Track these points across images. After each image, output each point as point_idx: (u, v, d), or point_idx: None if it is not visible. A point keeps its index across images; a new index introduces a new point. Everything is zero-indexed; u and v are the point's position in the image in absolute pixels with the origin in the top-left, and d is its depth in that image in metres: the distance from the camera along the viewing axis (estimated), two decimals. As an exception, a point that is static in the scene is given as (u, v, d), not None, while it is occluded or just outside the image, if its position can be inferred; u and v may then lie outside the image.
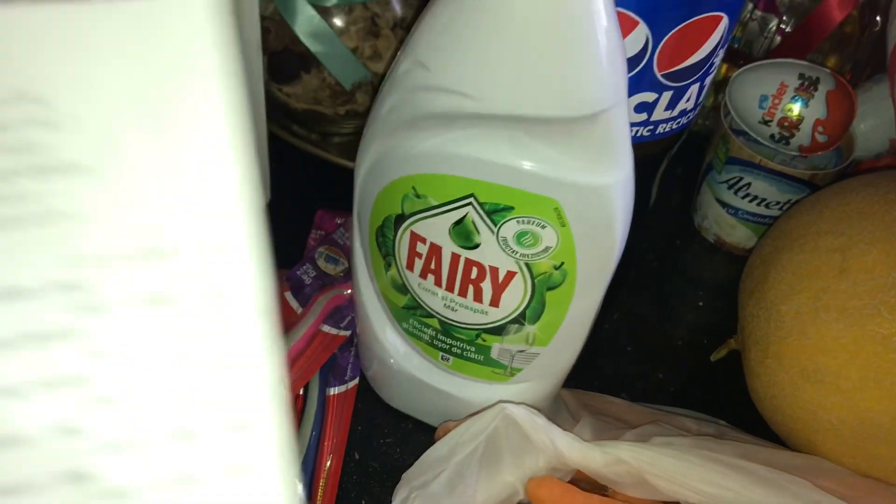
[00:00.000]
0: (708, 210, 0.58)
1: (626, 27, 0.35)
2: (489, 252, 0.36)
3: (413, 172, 0.35)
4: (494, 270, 0.36)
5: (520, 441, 0.39)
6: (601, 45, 0.30)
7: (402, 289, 0.40)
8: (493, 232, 0.35)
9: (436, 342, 0.42)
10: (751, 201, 0.54)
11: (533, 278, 0.36)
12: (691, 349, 0.53)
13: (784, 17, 0.57)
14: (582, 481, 0.40)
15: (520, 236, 0.35)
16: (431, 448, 0.40)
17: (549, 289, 0.37)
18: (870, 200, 0.42)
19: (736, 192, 0.55)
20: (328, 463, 0.44)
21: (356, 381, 0.48)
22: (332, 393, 0.47)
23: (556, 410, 0.46)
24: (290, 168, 0.58)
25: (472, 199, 0.34)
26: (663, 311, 0.56)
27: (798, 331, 0.41)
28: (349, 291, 0.49)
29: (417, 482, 0.39)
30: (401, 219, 0.37)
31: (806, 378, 0.40)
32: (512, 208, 0.34)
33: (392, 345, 0.44)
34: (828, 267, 0.41)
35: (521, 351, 0.41)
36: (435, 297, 0.39)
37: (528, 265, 0.36)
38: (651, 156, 0.44)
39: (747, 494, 0.37)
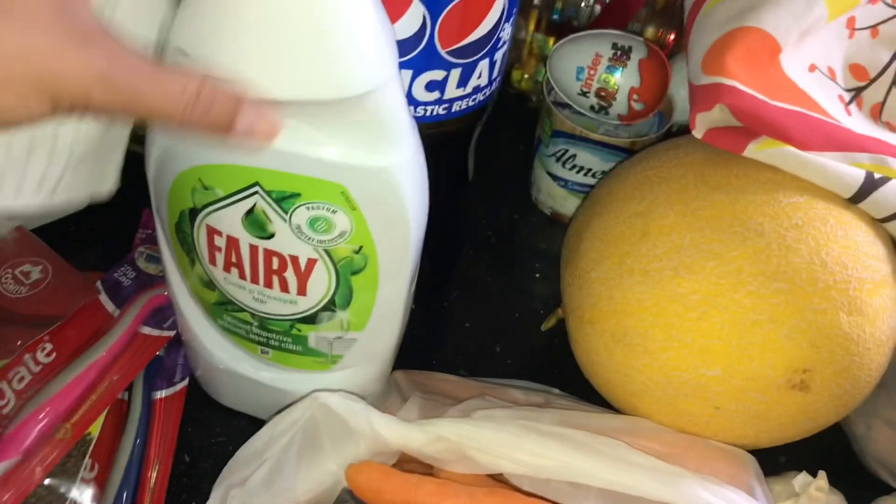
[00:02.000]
0: (541, 183, 0.59)
1: (401, 6, 0.35)
2: (286, 241, 0.35)
3: (198, 163, 0.34)
4: (295, 259, 0.36)
5: (339, 428, 0.39)
6: (360, 25, 0.29)
7: (210, 285, 0.39)
8: (284, 220, 0.34)
9: (252, 336, 0.41)
10: (577, 172, 0.55)
11: (335, 264, 0.36)
12: (528, 321, 0.54)
13: (600, -12, 0.58)
14: (409, 463, 0.40)
15: (312, 223, 0.34)
16: (245, 444, 0.40)
17: (354, 273, 0.37)
18: (668, 164, 0.43)
19: (563, 164, 0.55)
20: (153, 473, 0.43)
21: (185, 382, 0.47)
22: (158, 397, 0.45)
23: (386, 393, 0.46)
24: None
25: (257, 188, 0.34)
26: (502, 285, 0.57)
27: (606, 296, 0.41)
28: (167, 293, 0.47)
29: (235, 479, 0.39)
30: (194, 213, 0.36)
31: (616, 341, 0.41)
32: (299, 195, 0.33)
33: (211, 342, 0.43)
34: (631, 232, 0.41)
35: (339, 338, 0.40)
36: (243, 291, 0.38)
37: (327, 251, 0.36)
38: (454, 133, 0.44)
39: (564, 459, 0.38)
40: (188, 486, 0.44)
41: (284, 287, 0.37)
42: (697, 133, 0.41)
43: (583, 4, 0.59)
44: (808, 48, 0.44)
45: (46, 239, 0.49)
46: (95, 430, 0.43)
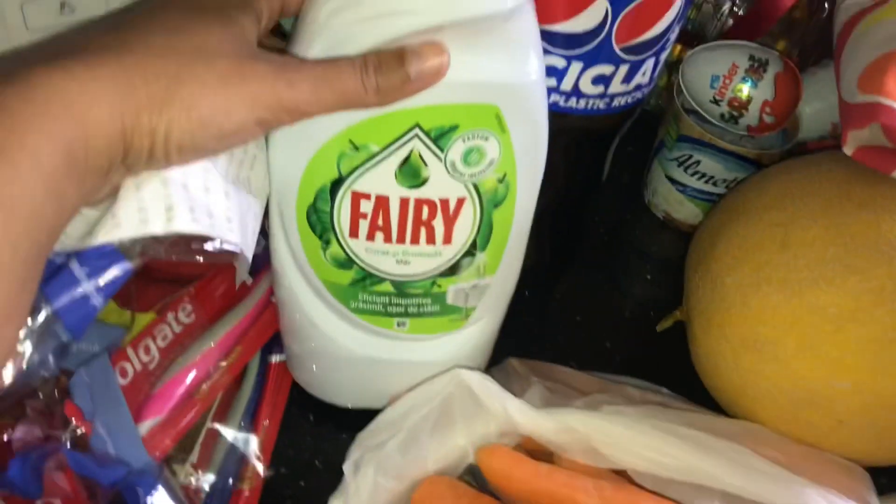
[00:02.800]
0: (658, 186, 0.59)
1: (586, 0, 0.36)
2: (438, 183, 0.36)
3: (346, 125, 0.34)
4: (445, 203, 0.37)
5: (473, 406, 0.40)
6: None
7: (347, 263, 0.40)
8: (440, 159, 0.35)
9: (390, 309, 0.42)
10: (699, 179, 0.56)
11: (481, 199, 0.37)
12: (638, 320, 0.55)
13: (737, 1, 0.59)
14: (527, 447, 0.41)
15: (466, 155, 0.35)
16: (385, 411, 0.41)
17: (496, 206, 0.37)
18: (812, 178, 0.44)
19: (685, 170, 0.56)
20: (265, 422, 0.45)
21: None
22: (274, 360, 0.47)
23: (505, 379, 0.47)
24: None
25: (416, 131, 0.34)
26: (612, 284, 0.58)
27: (740, 302, 0.42)
28: None
29: (371, 443, 0.40)
30: (338, 183, 0.36)
31: (746, 347, 0.42)
32: (457, 126, 0.34)
33: (339, 332, 0.44)
34: (770, 241, 0.42)
35: (475, 286, 0.41)
36: (386, 257, 0.39)
37: (475, 186, 0.36)
38: (605, 130, 0.45)
39: (690, 461, 0.38)
40: (312, 447, 0.46)
41: (431, 239, 0.38)
42: (848, 150, 0.41)
43: (715, 16, 0.60)
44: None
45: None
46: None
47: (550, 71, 0.40)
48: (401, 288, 0.41)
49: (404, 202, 0.36)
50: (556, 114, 0.41)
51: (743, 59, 0.53)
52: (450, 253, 0.39)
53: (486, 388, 0.39)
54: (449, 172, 0.35)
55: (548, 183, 0.47)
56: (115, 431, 0.36)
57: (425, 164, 0.35)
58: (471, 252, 0.39)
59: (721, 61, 0.53)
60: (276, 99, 0.30)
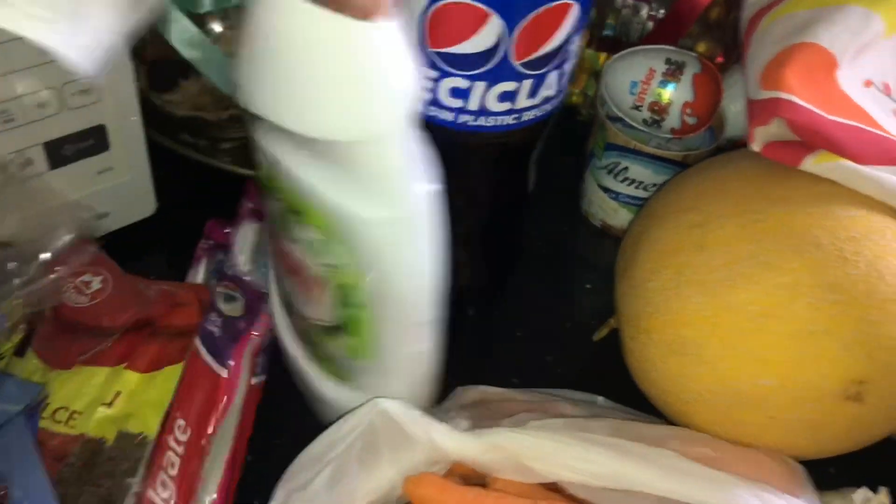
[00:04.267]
0: (592, 196, 0.60)
1: (478, 20, 0.37)
2: (300, 252, 0.36)
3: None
4: (307, 269, 0.37)
5: (397, 435, 0.39)
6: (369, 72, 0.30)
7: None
8: (297, 231, 0.35)
9: (294, 319, 0.43)
10: (629, 185, 0.56)
11: (338, 289, 0.37)
12: (579, 331, 0.55)
13: (653, 4, 0.59)
14: (459, 471, 0.41)
15: (313, 244, 0.35)
16: (306, 448, 0.41)
17: (353, 306, 0.37)
18: (727, 177, 0.44)
19: (615, 177, 0.56)
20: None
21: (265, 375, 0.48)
22: (253, 382, 0.46)
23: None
24: (180, 178, 0.58)
25: (281, 195, 0.35)
26: (552, 296, 0.57)
27: (663, 306, 0.42)
28: (256, 333, 0.47)
29: (296, 483, 0.40)
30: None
31: (672, 351, 0.42)
32: (303, 214, 0.34)
33: (276, 310, 0.45)
34: (688, 242, 0.42)
35: (349, 360, 0.41)
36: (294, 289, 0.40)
37: (329, 273, 0.36)
38: (521, 144, 0.45)
39: (618, 468, 0.38)
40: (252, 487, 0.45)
41: (307, 293, 0.38)
42: (755, 146, 0.42)
43: (635, 21, 0.60)
44: (864, 64, 0.45)
45: (108, 248, 0.51)
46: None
47: (455, 92, 0.40)
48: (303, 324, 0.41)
49: (288, 249, 0.37)
50: (468, 133, 0.42)
51: (659, 63, 0.53)
52: (322, 315, 0.39)
53: (408, 415, 0.39)
54: (306, 248, 0.36)
55: (472, 202, 0.47)
56: (32, 494, 0.36)
57: (291, 227, 0.36)
58: (338, 329, 0.39)
59: (638, 67, 0.54)
60: None
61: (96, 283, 0.47)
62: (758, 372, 0.40)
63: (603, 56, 0.62)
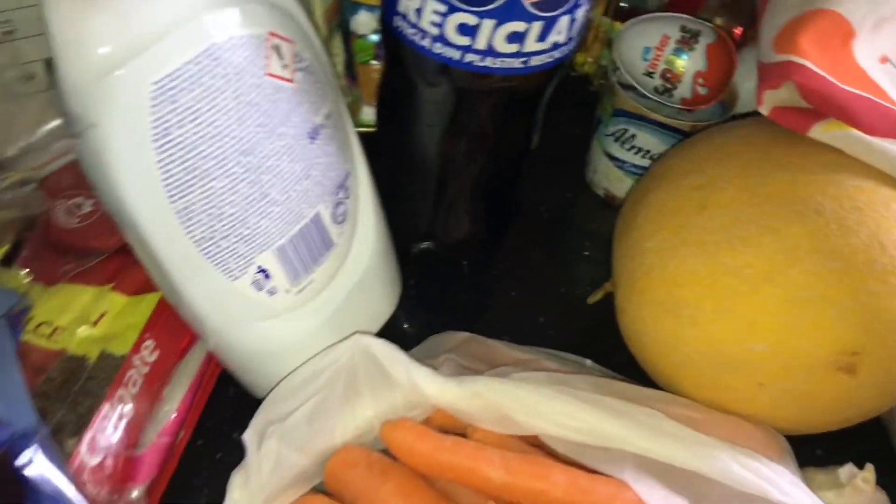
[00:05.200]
0: (598, 164, 0.59)
1: (490, -46, 0.36)
2: None
3: None
4: None
5: (379, 375, 0.39)
6: None
7: None
8: None
9: None
10: (636, 153, 0.55)
11: None
12: (573, 296, 0.54)
13: (673, -25, 0.58)
14: (439, 420, 0.40)
15: None
16: (284, 379, 0.40)
17: None
18: (733, 142, 0.43)
19: (622, 144, 0.56)
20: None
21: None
22: None
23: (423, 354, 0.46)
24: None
25: None
26: (550, 261, 0.57)
27: (659, 266, 0.42)
28: None
29: (272, 414, 0.39)
30: None
31: (666, 311, 0.41)
32: None
33: None
34: (689, 204, 0.42)
35: None
36: None
37: None
38: (527, 92, 0.44)
39: (599, 424, 0.38)
40: (231, 418, 0.45)
41: None
42: (763, 110, 0.41)
43: (654, -9, 0.59)
44: (882, 38, 0.44)
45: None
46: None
47: (463, 28, 0.39)
48: None
49: None
50: (475, 74, 0.41)
51: (674, 30, 0.53)
52: None
53: (389, 354, 0.38)
54: None
55: (473, 151, 0.47)
56: (6, 393, 0.36)
57: None
58: None
59: (653, 33, 0.53)
60: None
61: (87, 206, 0.46)
62: (749, 336, 0.39)
63: (619, 25, 0.62)
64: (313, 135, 0.38)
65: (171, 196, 0.34)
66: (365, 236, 0.44)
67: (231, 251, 0.37)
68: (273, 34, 0.34)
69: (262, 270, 0.38)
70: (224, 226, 0.36)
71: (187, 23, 0.32)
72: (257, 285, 0.38)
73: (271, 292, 0.39)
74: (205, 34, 0.32)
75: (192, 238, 0.35)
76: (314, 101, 0.38)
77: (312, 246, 0.40)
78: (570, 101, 0.65)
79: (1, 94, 0.43)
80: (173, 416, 0.42)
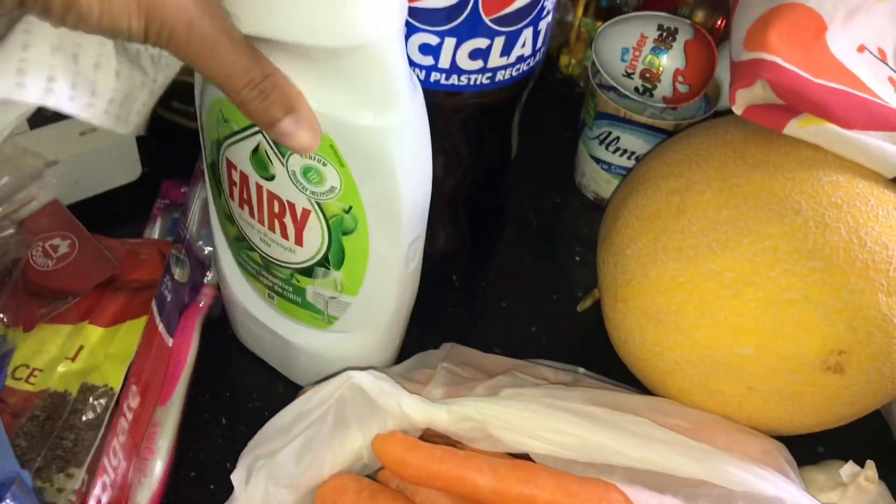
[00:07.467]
0: (585, 167, 0.59)
1: (445, -27, 0.36)
2: (284, 185, 0.36)
3: (219, 96, 0.35)
4: (292, 206, 0.37)
5: (366, 407, 0.39)
6: None
7: (230, 218, 0.41)
8: (283, 164, 0.35)
9: (261, 278, 0.42)
10: (621, 155, 0.55)
11: (327, 220, 0.36)
12: (566, 303, 0.54)
13: (649, -28, 0.58)
14: (433, 436, 0.40)
15: (306, 172, 0.35)
16: (274, 417, 0.40)
17: (345, 233, 0.37)
18: (710, 143, 0.43)
19: (607, 147, 0.55)
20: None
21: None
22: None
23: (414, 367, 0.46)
24: (171, 144, 0.58)
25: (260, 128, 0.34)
26: (541, 267, 0.56)
27: (640, 273, 0.41)
28: (201, 305, 0.48)
29: (262, 451, 0.39)
30: (218, 144, 0.37)
31: (649, 319, 0.41)
32: None
33: (234, 278, 0.45)
34: (667, 209, 0.41)
35: (333, 298, 0.41)
36: (252, 230, 0.40)
37: (319, 204, 0.36)
38: (497, 104, 0.44)
39: (590, 438, 0.37)
40: (223, 448, 0.45)
41: (284, 233, 0.38)
42: (737, 109, 0.40)
43: (631, -12, 0.59)
44: (857, 28, 0.43)
45: (91, 212, 0.51)
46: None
47: (425, 48, 0.39)
48: (267, 264, 0.41)
49: (259, 188, 0.37)
50: (443, 92, 0.41)
51: (651, 29, 0.52)
52: (302, 255, 0.39)
53: (380, 388, 0.38)
54: (292, 180, 0.35)
55: (451, 166, 0.47)
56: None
57: (271, 161, 0.35)
58: (323, 264, 0.39)
59: (630, 34, 0.52)
60: (176, 12, 0.28)
61: (64, 247, 0.47)
62: (735, 341, 0.39)
63: (600, 25, 0.61)
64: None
65: None
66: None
67: None
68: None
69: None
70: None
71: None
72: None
73: None
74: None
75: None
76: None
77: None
78: (555, 102, 0.65)
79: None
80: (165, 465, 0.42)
